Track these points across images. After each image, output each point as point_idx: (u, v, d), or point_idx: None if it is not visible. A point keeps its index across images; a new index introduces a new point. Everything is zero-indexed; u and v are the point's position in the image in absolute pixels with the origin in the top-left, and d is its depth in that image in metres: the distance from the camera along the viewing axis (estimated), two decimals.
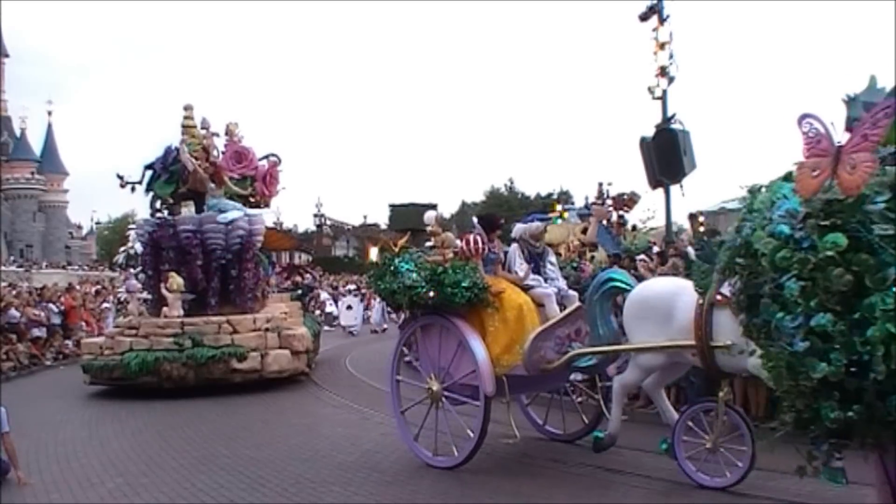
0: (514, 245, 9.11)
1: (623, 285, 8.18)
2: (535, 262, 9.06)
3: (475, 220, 9.39)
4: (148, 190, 17.14)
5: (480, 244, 8.70)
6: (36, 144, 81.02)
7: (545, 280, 8.99)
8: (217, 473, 8.81)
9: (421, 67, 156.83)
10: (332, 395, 14.41)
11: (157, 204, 17.22)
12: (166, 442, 10.67)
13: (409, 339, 9.28)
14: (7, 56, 79.61)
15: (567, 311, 8.69)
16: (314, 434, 11.00)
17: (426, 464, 8.78)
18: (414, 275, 8.63)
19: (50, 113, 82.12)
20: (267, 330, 15.46)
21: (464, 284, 8.30)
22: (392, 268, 8.88)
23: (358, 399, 13.65)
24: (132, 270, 20.94)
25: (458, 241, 8.99)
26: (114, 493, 8.20)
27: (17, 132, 79.95)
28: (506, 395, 8.41)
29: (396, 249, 9.48)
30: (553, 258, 9.35)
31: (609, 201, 16.89)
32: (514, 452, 8.94)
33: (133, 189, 17.11)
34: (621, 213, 15.78)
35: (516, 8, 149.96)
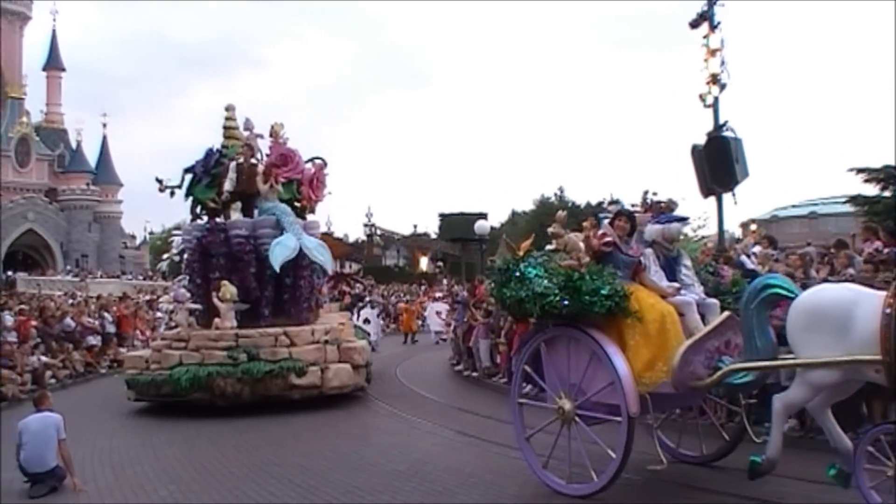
0: (649, 250, 8.34)
1: (785, 292, 7.26)
2: (670, 267, 8.34)
3: (605, 223, 8.50)
4: (188, 195, 16.34)
5: (602, 232, 8.06)
6: (91, 156, 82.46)
7: (681, 287, 8.21)
8: (267, 481, 8.85)
9: (470, 76, 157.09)
10: (382, 405, 14.35)
11: (198, 209, 16.38)
12: (218, 449, 10.76)
13: (530, 353, 8.37)
14: (64, 70, 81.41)
15: (717, 321, 7.87)
16: (364, 443, 11.01)
17: (551, 491, 7.93)
18: (545, 281, 7.81)
19: (105, 125, 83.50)
20: (326, 342, 14.54)
21: (603, 292, 7.47)
22: (518, 273, 8.04)
23: (408, 408, 13.63)
24: (178, 278, 19.26)
25: (581, 245, 8.19)
26: (167, 500, 8.30)
27: (73, 144, 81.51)
28: (649, 414, 7.72)
29: (521, 253, 8.45)
30: (688, 262, 8.54)
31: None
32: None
33: (172, 193, 16.37)
34: None
35: (569, 15, 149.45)
